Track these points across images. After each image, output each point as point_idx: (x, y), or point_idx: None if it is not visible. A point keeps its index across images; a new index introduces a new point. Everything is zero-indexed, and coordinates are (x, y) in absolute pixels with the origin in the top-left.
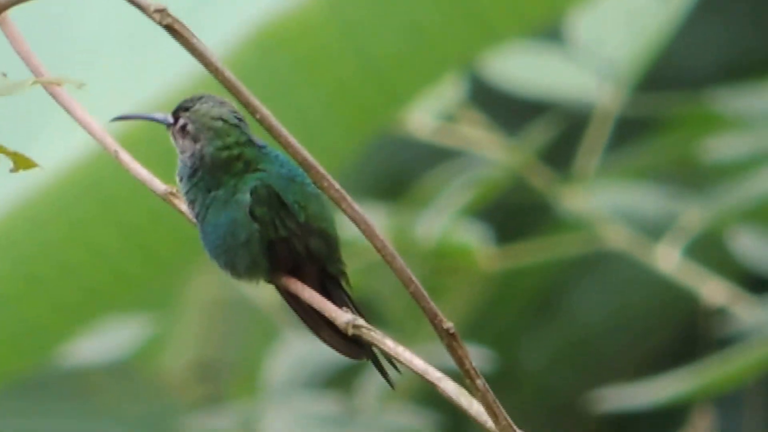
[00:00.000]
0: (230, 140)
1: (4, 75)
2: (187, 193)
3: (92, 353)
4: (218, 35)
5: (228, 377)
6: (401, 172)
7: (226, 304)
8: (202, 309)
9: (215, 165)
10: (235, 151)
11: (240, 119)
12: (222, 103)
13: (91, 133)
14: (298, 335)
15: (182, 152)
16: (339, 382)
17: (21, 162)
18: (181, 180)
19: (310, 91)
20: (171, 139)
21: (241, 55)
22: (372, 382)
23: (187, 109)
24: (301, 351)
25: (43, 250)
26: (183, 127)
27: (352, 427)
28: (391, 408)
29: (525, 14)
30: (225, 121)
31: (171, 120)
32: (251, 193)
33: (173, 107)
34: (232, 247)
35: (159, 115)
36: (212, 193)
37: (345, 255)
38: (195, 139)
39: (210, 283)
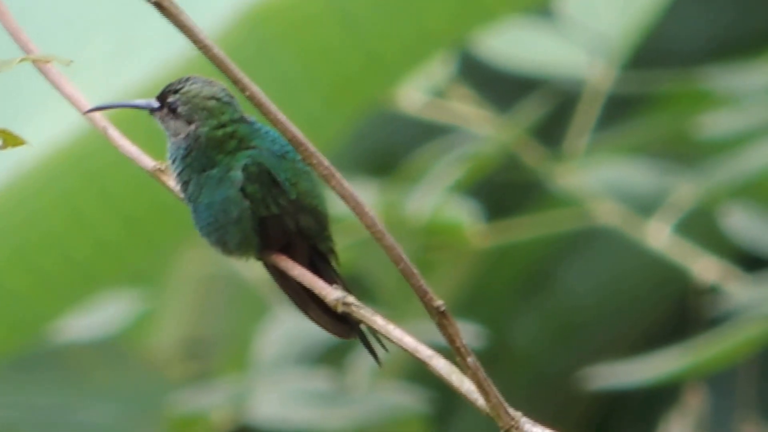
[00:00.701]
0: (225, 118)
1: None
2: (180, 173)
3: (81, 330)
4: (209, 16)
5: (218, 354)
6: (392, 149)
7: (216, 280)
8: (192, 285)
9: (210, 144)
10: (230, 129)
11: (231, 97)
12: (210, 83)
13: (80, 109)
14: (289, 311)
15: (175, 134)
16: (330, 359)
17: (9, 139)
18: (173, 161)
19: (300, 68)
20: (158, 122)
21: (230, 35)
22: (363, 359)
23: (176, 91)
24: (292, 327)
25: (31, 223)
26: (173, 110)
27: (342, 404)
28: (382, 385)
29: None
30: (218, 99)
31: (155, 104)
32: (243, 171)
33: (161, 88)
34: (223, 225)
35: (140, 102)
36: (206, 173)
37: (335, 232)
38: (188, 121)
39: (200, 259)
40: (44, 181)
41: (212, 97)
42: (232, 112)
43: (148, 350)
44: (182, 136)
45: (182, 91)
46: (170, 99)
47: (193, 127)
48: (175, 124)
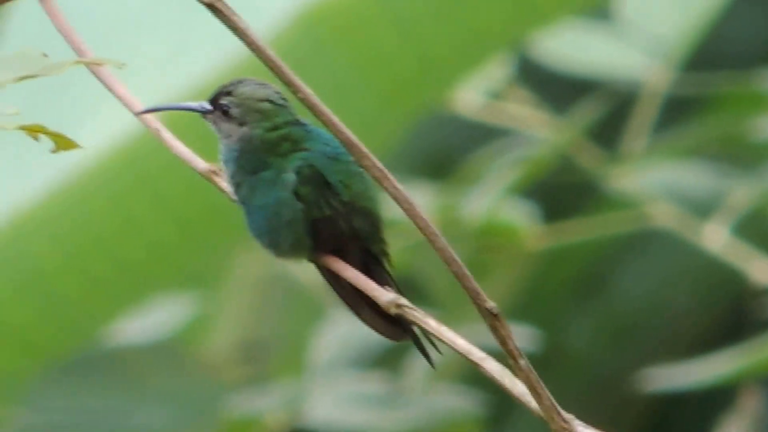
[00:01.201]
0: (279, 120)
1: (46, 55)
2: (232, 175)
3: (137, 333)
4: (262, 19)
5: (273, 356)
6: (448, 151)
7: (271, 282)
8: (247, 288)
9: (263, 146)
10: (283, 131)
11: (284, 99)
12: (263, 85)
13: (133, 111)
14: (344, 314)
15: (227, 136)
16: (385, 361)
17: (62, 143)
18: (226, 163)
19: (353, 70)
20: (210, 125)
21: (284, 37)
22: (418, 362)
23: (228, 93)
24: (347, 330)
25: (84, 227)
26: (226, 112)
27: (397, 407)
28: (436, 388)
29: None
30: (271, 101)
31: (208, 107)
32: (296, 173)
33: (213, 90)
34: (276, 227)
35: (193, 104)
36: (258, 175)
37: (388, 234)
38: (241, 123)
39: (255, 261)
40: (96, 184)
41: (265, 99)
42: (285, 115)
43: (203, 353)
44: (235, 138)
45: (235, 93)
46: (222, 101)
47: (245, 129)
48: (227, 126)
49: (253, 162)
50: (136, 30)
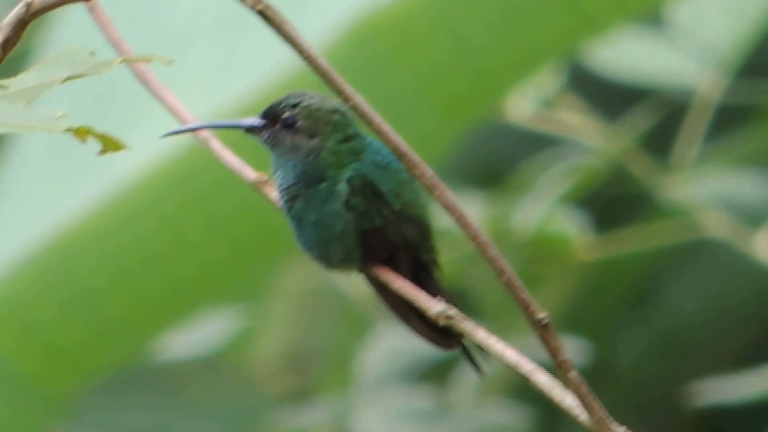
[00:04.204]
0: (350, 132)
1: (93, 54)
2: (288, 188)
3: (183, 347)
4: (314, 30)
5: (320, 370)
6: (499, 160)
7: (319, 295)
8: (294, 300)
9: (330, 159)
10: (353, 143)
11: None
12: (326, 98)
13: (182, 120)
14: (392, 327)
15: (293, 150)
16: (433, 375)
17: (109, 144)
18: (285, 176)
19: (408, 83)
20: (265, 140)
21: (337, 50)
22: (466, 376)
23: (294, 106)
24: (394, 343)
25: (132, 244)
26: (291, 125)
27: (445, 421)
28: (485, 402)
29: (626, 1)
30: (341, 113)
31: (258, 122)
32: (347, 184)
33: (269, 104)
34: (327, 239)
35: (242, 121)
36: (315, 188)
37: (439, 244)
38: (311, 135)
39: (302, 274)
40: (146, 202)
41: (335, 111)
42: (354, 126)
43: (249, 366)
44: (304, 150)
45: (302, 105)
46: (287, 114)
47: (316, 141)
48: (292, 139)
49: (314, 175)
50: (186, 40)
